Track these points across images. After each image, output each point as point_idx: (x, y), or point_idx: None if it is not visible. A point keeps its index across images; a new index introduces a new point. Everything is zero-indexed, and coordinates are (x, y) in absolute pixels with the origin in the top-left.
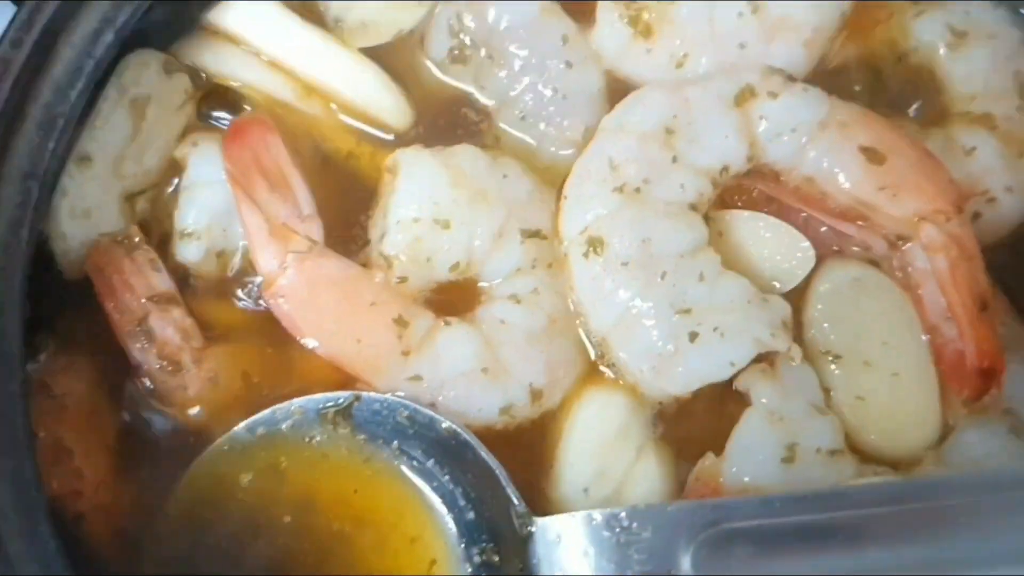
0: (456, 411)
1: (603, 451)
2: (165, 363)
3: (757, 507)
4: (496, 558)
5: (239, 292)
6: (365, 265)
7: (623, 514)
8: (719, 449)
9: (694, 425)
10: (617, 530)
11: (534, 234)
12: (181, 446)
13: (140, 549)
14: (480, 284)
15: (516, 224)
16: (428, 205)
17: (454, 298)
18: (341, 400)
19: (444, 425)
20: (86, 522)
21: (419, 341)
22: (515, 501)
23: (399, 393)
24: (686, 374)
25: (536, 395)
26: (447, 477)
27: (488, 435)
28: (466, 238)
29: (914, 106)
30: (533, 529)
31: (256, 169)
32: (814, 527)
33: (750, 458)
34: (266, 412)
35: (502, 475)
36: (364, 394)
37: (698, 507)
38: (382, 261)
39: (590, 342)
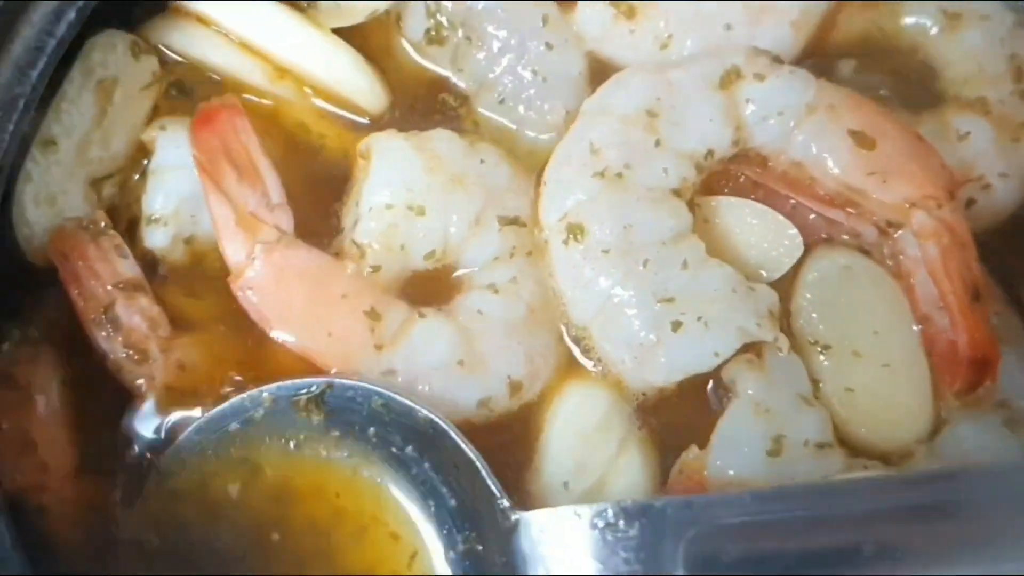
0: (433, 405)
1: (584, 444)
2: (131, 352)
3: (749, 504)
4: (479, 547)
5: None
6: (338, 255)
7: (610, 511)
8: (703, 442)
9: (678, 417)
10: (603, 526)
11: (513, 221)
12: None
13: (105, 544)
14: (457, 273)
15: (494, 211)
16: (401, 191)
17: (431, 288)
18: (314, 387)
19: (421, 414)
20: (49, 516)
21: (393, 334)
22: (497, 493)
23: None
24: (669, 365)
25: (515, 387)
26: (427, 464)
27: (466, 428)
28: (441, 225)
29: (906, 90)
30: (516, 522)
31: (224, 156)
32: (808, 523)
33: (735, 451)
34: (235, 400)
35: (483, 466)
36: (337, 381)
37: (688, 503)
38: (355, 250)
39: (570, 333)
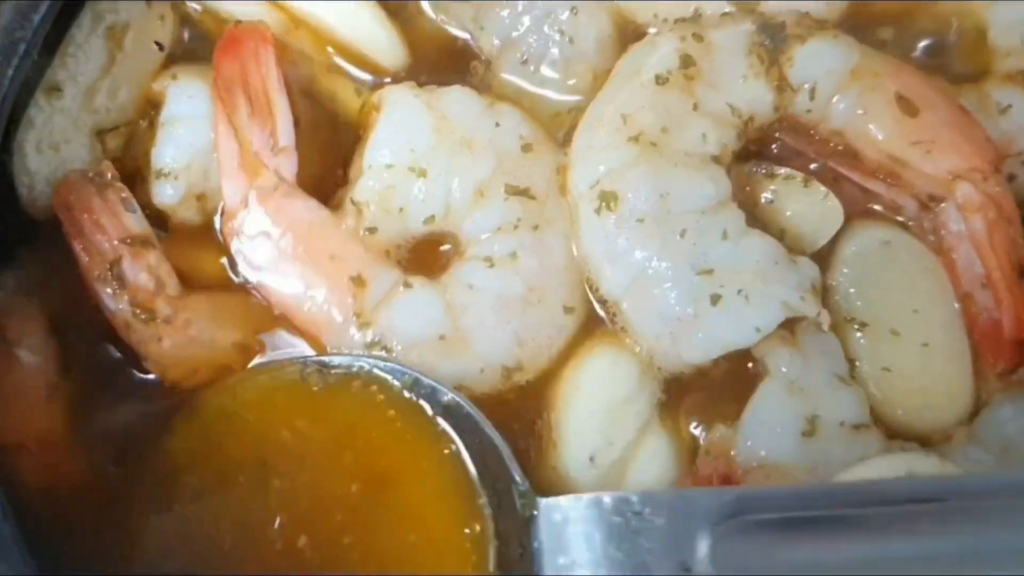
0: None
1: (610, 417)
2: (138, 311)
3: (784, 499)
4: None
5: None
6: (340, 207)
7: (635, 499)
8: (732, 421)
9: (707, 395)
10: (628, 515)
11: (522, 192)
12: (149, 402)
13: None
14: (455, 242)
15: (503, 179)
16: (404, 150)
17: (432, 255)
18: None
19: (447, 397)
20: (29, 477)
21: (375, 304)
22: (517, 479)
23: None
24: (707, 340)
25: (498, 371)
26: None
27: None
28: (443, 190)
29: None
30: (536, 512)
31: (241, 86)
32: (842, 520)
33: (767, 431)
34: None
35: (505, 451)
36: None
37: (719, 495)
38: (352, 208)
39: (596, 297)
